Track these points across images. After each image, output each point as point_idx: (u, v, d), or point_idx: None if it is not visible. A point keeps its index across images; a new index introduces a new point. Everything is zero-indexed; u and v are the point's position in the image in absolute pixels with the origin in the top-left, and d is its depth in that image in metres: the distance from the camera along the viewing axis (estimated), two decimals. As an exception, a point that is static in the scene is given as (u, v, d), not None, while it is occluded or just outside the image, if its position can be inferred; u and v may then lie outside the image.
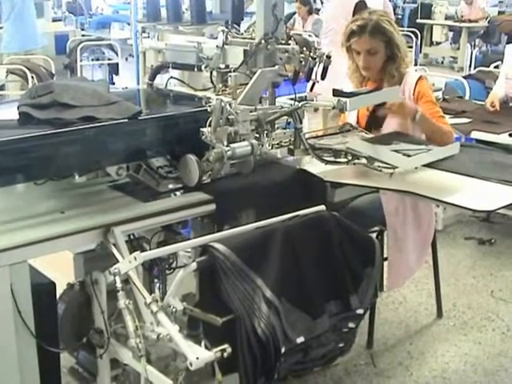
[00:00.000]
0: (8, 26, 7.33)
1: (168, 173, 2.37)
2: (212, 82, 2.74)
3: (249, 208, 2.34)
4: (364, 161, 2.60)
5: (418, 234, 3.18)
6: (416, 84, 3.08)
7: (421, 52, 11.77)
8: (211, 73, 2.74)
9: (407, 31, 10.16)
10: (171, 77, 2.89)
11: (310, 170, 2.52)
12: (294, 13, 9.67)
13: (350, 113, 3.10)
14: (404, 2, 13.99)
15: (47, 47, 8.04)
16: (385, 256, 3.05)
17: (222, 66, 2.72)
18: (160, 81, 2.97)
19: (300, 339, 2.06)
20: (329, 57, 2.61)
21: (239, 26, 3.03)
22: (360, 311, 2.27)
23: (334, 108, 2.52)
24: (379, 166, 2.55)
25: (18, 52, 7.28)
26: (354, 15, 4.75)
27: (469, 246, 4.54)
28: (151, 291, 2.26)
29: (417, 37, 10.56)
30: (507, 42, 9.24)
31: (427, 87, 3.14)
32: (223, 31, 2.72)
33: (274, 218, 2.17)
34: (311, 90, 2.77)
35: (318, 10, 9.94)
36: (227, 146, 2.28)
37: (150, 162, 2.33)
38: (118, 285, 1.98)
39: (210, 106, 2.30)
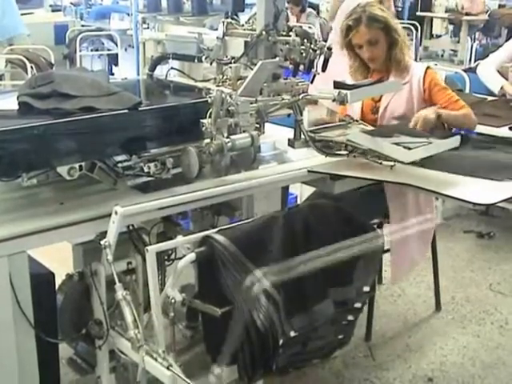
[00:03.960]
0: None
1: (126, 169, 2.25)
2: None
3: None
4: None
5: (420, 227, 3.18)
6: (425, 74, 3.12)
7: (421, 45, 11.72)
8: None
9: (407, 24, 10.11)
10: (171, 68, 2.88)
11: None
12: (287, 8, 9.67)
13: (354, 105, 3.10)
14: (404, -5, 13.95)
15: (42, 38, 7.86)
16: (385, 248, 3.04)
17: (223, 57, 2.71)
18: (160, 72, 2.96)
19: (299, 331, 2.06)
20: (330, 48, 2.60)
21: (240, 17, 3.01)
22: (358, 304, 2.27)
23: (334, 100, 2.51)
24: (379, 159, 2.55)
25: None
26: None
27: (468, 240, 4.55)
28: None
29: (417, 30, 10.50)
30: (507, 36, 9.22)
31: (436, 75, 3.18)
32: (224, 22, 2.71)
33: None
34: (312, 81, 2.76)
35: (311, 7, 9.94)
36: (227, 137, 2.26)
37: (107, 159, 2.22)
38: (116, 276, 1.97)
39: (210, 98, 2.29)
